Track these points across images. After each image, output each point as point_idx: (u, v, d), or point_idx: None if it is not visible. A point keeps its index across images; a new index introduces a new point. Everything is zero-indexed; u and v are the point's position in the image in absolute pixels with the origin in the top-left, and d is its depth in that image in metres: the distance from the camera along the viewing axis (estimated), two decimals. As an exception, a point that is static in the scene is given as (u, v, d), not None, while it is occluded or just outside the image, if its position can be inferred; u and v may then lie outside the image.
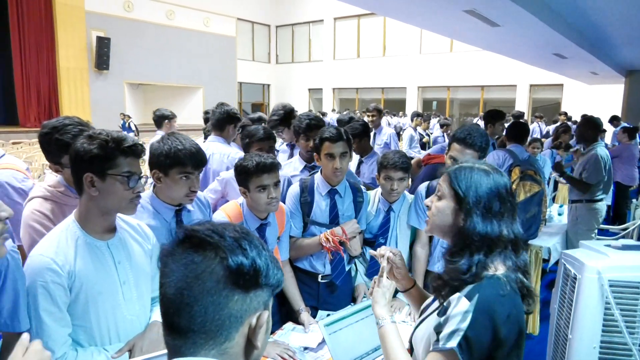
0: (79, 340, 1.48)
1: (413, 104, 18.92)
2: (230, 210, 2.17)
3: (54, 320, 1.38)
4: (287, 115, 3.46)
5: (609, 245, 2.42)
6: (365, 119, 4.77)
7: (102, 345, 1.51)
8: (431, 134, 9.91)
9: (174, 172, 1.79)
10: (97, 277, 1.47)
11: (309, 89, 22.42)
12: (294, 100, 21.60)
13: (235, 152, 3.03)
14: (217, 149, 3.07)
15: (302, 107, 21.61)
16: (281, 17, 22.47)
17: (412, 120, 7.96)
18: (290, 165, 2.95)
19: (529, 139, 5.57)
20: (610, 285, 2.19)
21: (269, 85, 23.38)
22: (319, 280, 2.46)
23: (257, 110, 21.18)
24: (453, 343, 1.08)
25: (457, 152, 2.25)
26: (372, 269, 2.57)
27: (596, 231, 4.32)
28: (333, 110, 19.09)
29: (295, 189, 2.43)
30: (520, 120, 4.41)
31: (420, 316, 1.38)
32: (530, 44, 6.04)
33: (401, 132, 11.89)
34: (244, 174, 2.03)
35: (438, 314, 1.18)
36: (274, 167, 2.04)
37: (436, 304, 1.28)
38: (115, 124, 13.93)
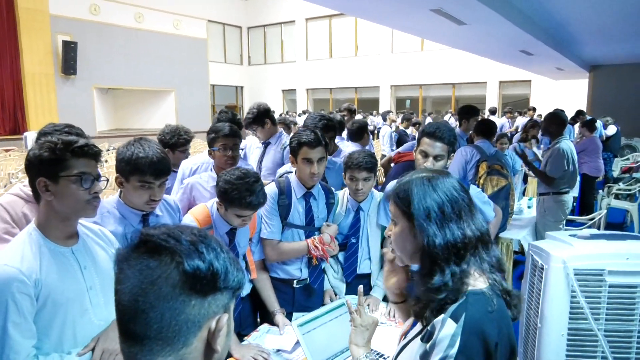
0: (43, 348, 1.44)
1: (386, 103, 19.09)
2: (199, 213, 2.15)
3: (19, 332, 1.35)
4: (261, 114, 3.47)
5: (574, 235, 2.50)
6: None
7: (70, 351, 1.48)
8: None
9: (134, 180, 1.76)
10: (63, 284, 1.45)
11: (283, 90, 22.38)
12: (267, 101, 21.32)
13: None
14: None
15: (276, 108, 21.54)
16: (252, 18, 22.35)
17: (384, 119, 8.03)
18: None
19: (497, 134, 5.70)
20: (576, 274, 2.26)
21: (242, 87, 23.22)
22: (294, 285, 2.47)
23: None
24: None
25: (427, 146, 2.28)
26: (347, 271, 2.59)
27: (564, 222, 4.45)
28: (304, 112, 19.08)
29: (272, 189, 2.38)
30: (489, 117, 4.50)
31: (400, 340, 1.28)
32: (496, 41, 6.18)
33: (375, 131, 11.97)
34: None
35: (422, 339, 1.10)
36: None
37: (418, 326, 1.18)
38: (85, 130, 13.58)
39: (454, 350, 0.99)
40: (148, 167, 1.73)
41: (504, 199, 3.49)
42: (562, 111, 4.47)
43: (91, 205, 1.47)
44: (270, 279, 2.44)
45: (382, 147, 7.25)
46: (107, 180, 1.61)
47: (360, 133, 4.28)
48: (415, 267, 1.22)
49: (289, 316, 2.35)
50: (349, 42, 19.97)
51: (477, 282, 1.09)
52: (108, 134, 14.84)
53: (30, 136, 13.89)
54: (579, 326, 2.34)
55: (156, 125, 15.65)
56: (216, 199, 2.17)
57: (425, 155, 2.29)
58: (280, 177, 2.59)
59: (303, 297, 2.49)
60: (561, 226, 4.39)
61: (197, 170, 2.83)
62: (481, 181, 3.50)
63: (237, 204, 1.96)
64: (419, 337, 1.12)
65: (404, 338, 1.25)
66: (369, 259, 2.58)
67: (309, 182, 2.35)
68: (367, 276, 2.60)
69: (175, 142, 3.10)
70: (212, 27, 20.94)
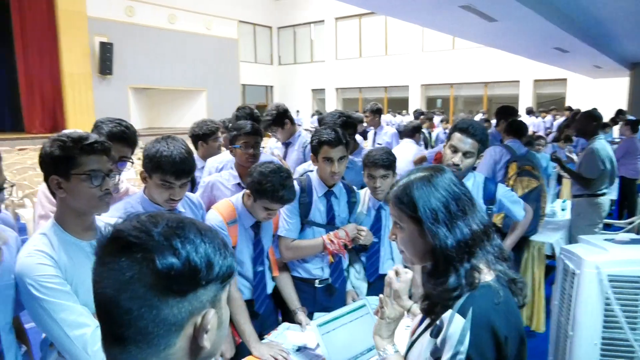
0: None
1: (416, 102, 18.84)
2: (224, 208, 2.16)
3: (71, 298, 1.40)
4: (280, 115, 3.48)
5: (608, 240, 2.38)
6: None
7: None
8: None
9: (156, 177, 1.78)
10: (82, 277, 1.47)
11: (312, 90, 22.40)
12: (297, 101, 21.59)
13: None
14: None
15: (305, 108, 21.61)
16: (282, 18, 22.48)
17: (416, 118, 7.94)
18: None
19: (532, 134, 5.54)
20: (610, 280, 2.15)
21: (272, 86, 23.39)
22: (316, 285, 2.45)
23: (262, 112, 21.23)
24: None
25: (458, 141, 2.25)
26: (369, 271, 2.56)
27: (600, 226, 4.27)
28: (317, 112, 18.98)
29: None
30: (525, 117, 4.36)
31: (411, 336, 1.28)
32: (529, 38, 5.99)
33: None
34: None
35: (431, 334, 1.10)
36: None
37: (427, 321, 1.20)
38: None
39: (464, 347, 0.99)
40: (170, 166, 1.74)
41: (535, 201, 3.37)
42: (595, 110, 4.29)
43: (103, 201, 1.48)
44: (292, 278, 2.43)
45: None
46: (118, 175, 1.63)
47: (413, 132, 4.91)
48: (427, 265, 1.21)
49: (310, 316, 2.33)
50: (378, 41, 19.81)
51: (486, 275, 1.09)
52: (142, 132, 15.17)
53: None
54: (613, 335, 2.23)
55: (188, 124, 15.89)
56: (240, 194, 2.18)
57: (455, 150, 2.25)
58: (301, 175, 2.58)
59: (325, 297, 2.46)
60: (597, 230, 4.20)
61: (223, 168, 2.84)
62: (511, 182, 3.39)
63: (269, 197, 1.99)
64: (428, 332, 1.12)
65: (414, 334, 1.24)
66: (392, 259, 2.54)
67: (330, 181, 2.33)
68: (391, 277, 2.56)
69: (205, 132, 3.28)
70: (243, 28, 21.17)
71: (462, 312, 1.02)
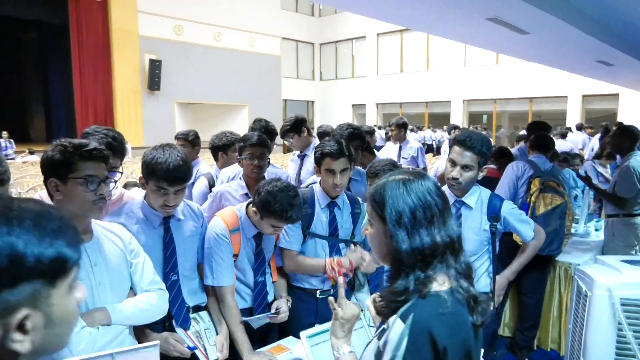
0: None
1: (458, 118, 18.50)
2: (227, 216, 2.20)
3: None
4: (298, 122, 3.56)
5: (627, 261, 2.23)
6: (379, 132, 4.79)
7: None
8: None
9: (151, 183, 1.84)
10: None
11: (353, 105, 22.47)
12: (337, 116, 21.70)
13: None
14: None
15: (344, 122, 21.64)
16: (325, 34, 22.79)
17: (449, 133, 7.81)
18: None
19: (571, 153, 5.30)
20: (623, 304, 2.00)
21: (313, 102, 23.67)
22: (318, 296, 2.44)
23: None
24: None
25: (457, 155, 2.20)
26: (372, 284, 2.52)
27: (638, 247, 4.01)
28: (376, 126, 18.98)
29: None
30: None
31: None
32: (567, 51, 5.77)
33: (433, 145, 11.73)
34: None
35: (378, 337, 1.11)
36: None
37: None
38: (166, 141, 14.52)
39: (401, 351, 0.99)
40: (164, 173, 1.79)
41: (559, 219, 3.22)
42: (633, 127, 4.06)
43: (97, 206, 1.56)
44: (293, 287, 2.43)
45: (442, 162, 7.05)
46: (114, 181, 1.70)
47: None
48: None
49: (311, 326, 2.32)
50: (420, 56, 19.67)
51: (440, 286, 1.08)
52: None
53: (117, 146, 15.16)
54: (627, 363, 2.08)
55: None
56: (245, 204, 2.22)
57: (454, 164, 2.20)
58: (307, 186, 2.59)
59: (326, 309, 2.44)
60: (634, 252, 3.96)
61: (234, 178, 2.90)
62: (532, 198, 3.25)
63: (277, 216, 2.01)
64: (377, 334, 1.14)
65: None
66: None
67: (332, 192, 2.33)
68: (395, 291, 2.51)
69: (224, 143, 3.38)
70: (285, 44, 21.63)
71: (404, 317, 1.03)
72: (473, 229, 2.25)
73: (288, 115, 20.75)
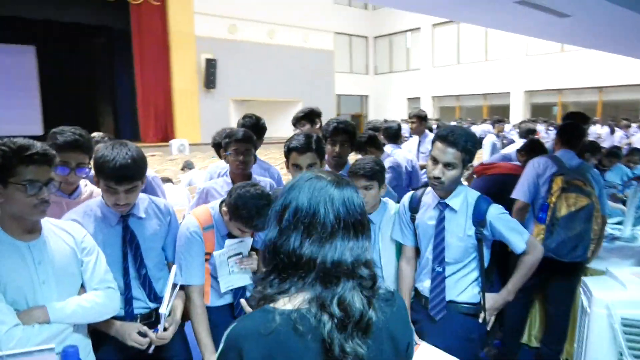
0: None
1: (519, 110, 17.48)
2: (200, 213, 2.16)
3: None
4: (312, 112, 3.48)
5: (641, 273, 1.91)
6: (405, 125, 4.55)
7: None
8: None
9: (101, 182, 1.82)
10: (13, 275, 1.55)
11: (408, 99, 21.93)
12: (392, 110, 21.29)
13: None
14: None
15: (400, 117, 21.20)
16: (379, 27, 22.40)
17: (493, 126, 7.38)
18: None
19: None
20: (624, 325, 1.71)
21: (367, 96, 23.37)
22: None
23: (357, 121, 21.32)
24: None
25: (438, 151, 2.00)
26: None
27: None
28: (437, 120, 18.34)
29: None
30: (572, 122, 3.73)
31: None
32: (618, 34, 5.18)
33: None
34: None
35: None
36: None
37: None
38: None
39: (215, 357, 1.00)
40: (110, 171, 1.77)
41: (584, 222, 2.86)
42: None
43: (37, 210, 1.54)
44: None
45: (483, 157, 6.66)
46: (55, 183, 1.67)
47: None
48: None
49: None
50: (478, 46, 18.78)
51: (286, 305, 0.96)
52: (241, 142, 16.08)
53: (175, 143, 15.81)
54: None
55: (284, 134, 16.51)
56: (218, 201, 2.17)
57: (435, 161, 2.00)
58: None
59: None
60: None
61: (226, 174, 2.86)
62: (553, 198, 2.93)
63: (243, 222, 1.97)
64: None
65: None
66: (382, 277, 2.33)
67: None
68: (382, 297, 2.35)
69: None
70: (339, 39, 21.49)
71: (228, 330, 0.98)
72: (456, 234, 2.05)
73: (342, 110, 20.62)
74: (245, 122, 3.17)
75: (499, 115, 17.13)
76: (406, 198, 2.26)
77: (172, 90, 17.18)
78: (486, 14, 4.29)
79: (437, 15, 5.60)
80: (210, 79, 17.67)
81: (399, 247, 2.31)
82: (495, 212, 2.01)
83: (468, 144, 1.96)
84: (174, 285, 1.89)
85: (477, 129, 14.54)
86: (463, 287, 2.08)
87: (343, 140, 2.80)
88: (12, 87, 17.62)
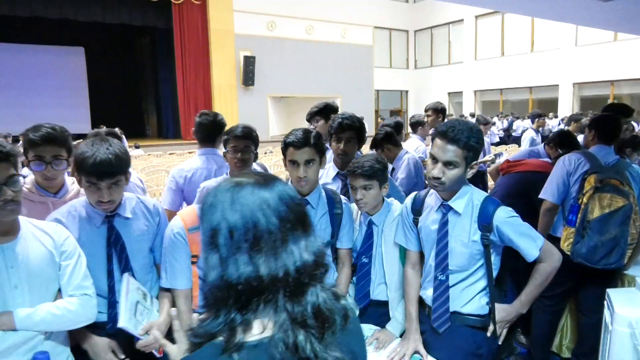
0: None
1: (567, 103, 16.57)
2: (187, 214, 2.08)
3: None
4: (328, 108, 3.38)
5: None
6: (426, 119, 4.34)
7: None
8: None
9: (83, 179, 1.76)
10: None
11: (449, 93, 21.28)
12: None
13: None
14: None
15: (441, 112, 20.63)
16: (419, 21, 21.84)
17: (532, 121, 6.98)
18: (323, 171, 2.72)
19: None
20: (650, 346, 1.47)
21: (407, 91, 22.88)
22: None
23: (396, 116, 20.92)
24: None
25: (438, 149, 1.81)
26: (358, 296, 2.25)
27: None
28: (472, 115, 17.78)
29: None
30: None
31: None
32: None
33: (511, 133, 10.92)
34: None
35: None
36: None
37: None
38: (259, 134, 15.08)
39: None
40: (90, 167, 1.70)
41: (619, 225, 2.58)
42: None
43: (5, 210, 1.48)
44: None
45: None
46: (20, 184, 1.62)
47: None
48: None
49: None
50: (524, 37, 17.92)
51: (253, 336, 0.84)
52: (279, 138, 16.16)
53: (213, 140, 16.07)
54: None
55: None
56: None
57: (435, 160, 1.82)
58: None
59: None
60: None
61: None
62: (584, 199, 2.66)
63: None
64: None
65: None
66: (385, 283, 2.18)
67: (297, 187, 2.07)
68: (385, 304, 2.20)
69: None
70: (378, 33, 21.14)
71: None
72: (460, 239, 1.85)
73: (381, 106, 20.27)
74: (202, 120, 3.07)
75: (547, 109, 16.34)
76: (409, 199, 2.09)
77: (212, 88, 17.46)
78: (533, 2, 3.96)
79: (480, 6, 5.29)
80: (248, 76, 17.82)
81: (404, 252, 2.14)
82: (503, 215, 1.80)
83: (471, 140, 1.76)
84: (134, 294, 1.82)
85: (520, 124, 13.89)
86: (469, 298, 1.89)
87: (349, 137, 2.65)
88: (63, 87, 18.49)
